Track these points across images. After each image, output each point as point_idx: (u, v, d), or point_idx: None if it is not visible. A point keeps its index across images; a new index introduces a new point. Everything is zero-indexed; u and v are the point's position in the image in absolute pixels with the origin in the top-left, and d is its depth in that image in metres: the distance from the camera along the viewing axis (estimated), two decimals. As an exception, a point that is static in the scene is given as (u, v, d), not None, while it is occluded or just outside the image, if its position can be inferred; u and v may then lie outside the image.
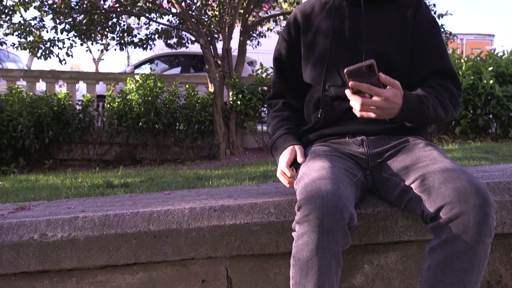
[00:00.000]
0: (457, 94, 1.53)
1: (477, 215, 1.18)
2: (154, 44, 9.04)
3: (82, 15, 7.57)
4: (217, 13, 7.23)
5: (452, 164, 1.32)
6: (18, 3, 7.24)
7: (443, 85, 1.51)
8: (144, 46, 8.85)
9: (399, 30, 1.55)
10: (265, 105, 1.87)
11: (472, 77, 5.79)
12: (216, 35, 7.27)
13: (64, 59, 8.46)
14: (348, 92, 1.35)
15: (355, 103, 1.34)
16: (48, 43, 8.04)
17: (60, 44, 8.10)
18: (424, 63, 1.55)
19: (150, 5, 7.80)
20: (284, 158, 1.53)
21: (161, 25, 8.52)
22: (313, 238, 1.19)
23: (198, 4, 8.03)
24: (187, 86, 6.93)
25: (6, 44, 7.82)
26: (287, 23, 1.69)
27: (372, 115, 1.35)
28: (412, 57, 1.55)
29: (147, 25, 8.90)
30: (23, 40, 7.77)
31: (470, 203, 1.19)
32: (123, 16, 8.68)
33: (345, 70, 1.31)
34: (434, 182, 1.27)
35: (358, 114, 1.36)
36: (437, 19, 1.59)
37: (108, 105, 6.69)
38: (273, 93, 1.75)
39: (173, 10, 7.57)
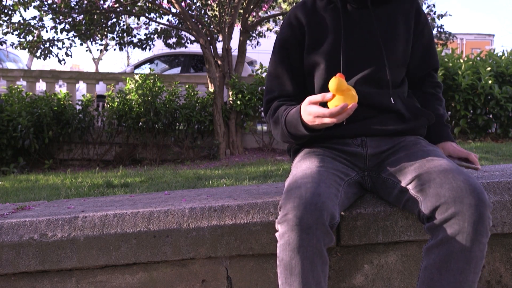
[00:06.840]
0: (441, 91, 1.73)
1: (472, 215, 1.17)
2: (153, 45, 9.04)
3: (82, 15, 7.57)
4: (217, 13, 7.23)
5: (449, 163, 1.31)
6: (18, 3, 7.23)
7: (437, 94, 1.68)
8: (143, 46, 8.85)
9: (403, 30, 1.56)
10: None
11: (471, 77, 5.78)
12: (216, 35, 7.27)
13: (63, 59, 8.48)
14: None
15: None
16: (47, 43, 8.05)
17: (60, 44, 8.11)
18: (423, 63, 1.64)
19: (150, 5, 7.80)
20: (307, 109, 1.34)
21: (160, 25, 8.51)
22: (293, 237, 1.19)
23: (198, 4, 8.03)
24: (187, 86, 6.93)
25: (5, 43, 7.82)
26: (288, 22, 1.59)
27: None
28: (411, 55, 1.60)
29: (146, 25, 8.90)
30: (22, 39, 7.77)
31: (465, 203, 1.18)
32: (122, 16, 8.68)
33: None
34: (430, 182, 1.26)
35: None
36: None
37: (108, 105, 6.69)
38: (271, 90, 1.58)
39: (173, 10, 7.57)
